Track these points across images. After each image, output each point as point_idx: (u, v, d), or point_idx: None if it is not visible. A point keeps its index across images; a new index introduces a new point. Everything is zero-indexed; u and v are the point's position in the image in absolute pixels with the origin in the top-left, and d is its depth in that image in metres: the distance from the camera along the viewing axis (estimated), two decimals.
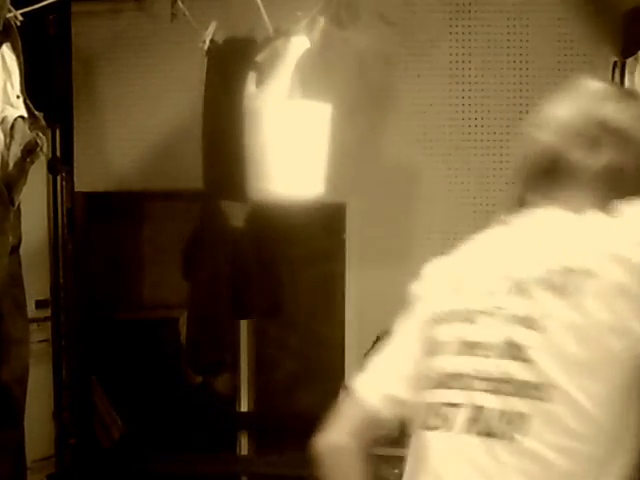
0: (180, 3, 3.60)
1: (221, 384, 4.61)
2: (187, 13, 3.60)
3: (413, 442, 1.49)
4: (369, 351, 4.17)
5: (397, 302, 4.73)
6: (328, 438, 1.59)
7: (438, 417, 1.41)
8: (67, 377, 4.38)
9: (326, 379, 4.44)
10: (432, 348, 1.48)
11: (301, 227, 4.17)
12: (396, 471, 3.73)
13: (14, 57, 2.49)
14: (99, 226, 4.70)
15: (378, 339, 4.17)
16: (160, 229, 4.95)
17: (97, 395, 4.61)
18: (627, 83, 2.92)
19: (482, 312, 1.41)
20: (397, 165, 4.18)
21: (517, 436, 1.30)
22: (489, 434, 1.33)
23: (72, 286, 4.40)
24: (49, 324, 4.29)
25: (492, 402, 1.34)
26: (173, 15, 3.67)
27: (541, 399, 1.29)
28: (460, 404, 1.38)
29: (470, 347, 1.40)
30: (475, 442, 1.34)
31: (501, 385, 1.33)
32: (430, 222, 4.18)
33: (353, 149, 3.90)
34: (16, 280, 2.63)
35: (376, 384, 1.59)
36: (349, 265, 4.27)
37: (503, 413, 1.32)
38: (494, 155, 4.11)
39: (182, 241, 4.16)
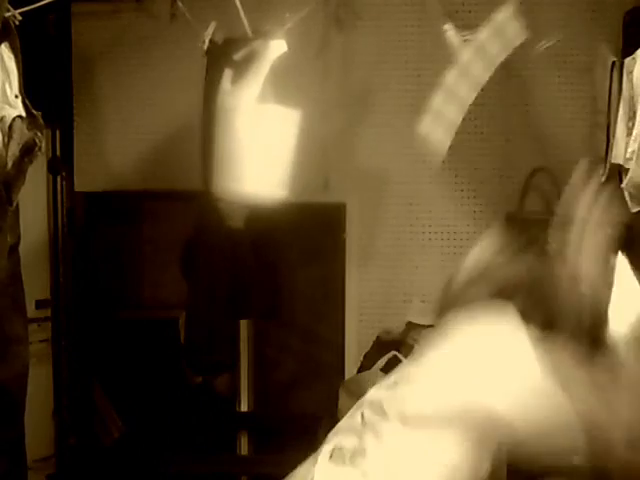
0: (180, 3, 3.60)
1: (221, 384, 4.60)
2: (187, 13, 3.59)
3: None
4: (369, 351, 4.18)
5: (397, 302, 4.69)
6: None
7: None
8: (67, 377, 4.38)
9: (326, 379, 4.44)
10: None
11: (301, 227, 4.17)
12: None
13: (12, 56, 2.49)
14: (99, 226, 4.70)
15: (378, 339, 4.18)
16: (160, 229, 4.94)
17: (97, 395, 4.61)
18: (625, 83, 2.92)
19: None
20: (397, 165, 4.18)
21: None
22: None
23: (72, 286, 4.40)
24: (49, 324, 4.30)
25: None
26: (173, 15, 3.67)
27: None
28: None
29: None
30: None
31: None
32: (430, 222, 4.18)
33: (353, 149, 3.90)
34: (15, 279, 2.63)
35: None
36: (349, 265, 4.27)
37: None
38: (494, 155, 4.12)
39: (182, 241, 4.15)
